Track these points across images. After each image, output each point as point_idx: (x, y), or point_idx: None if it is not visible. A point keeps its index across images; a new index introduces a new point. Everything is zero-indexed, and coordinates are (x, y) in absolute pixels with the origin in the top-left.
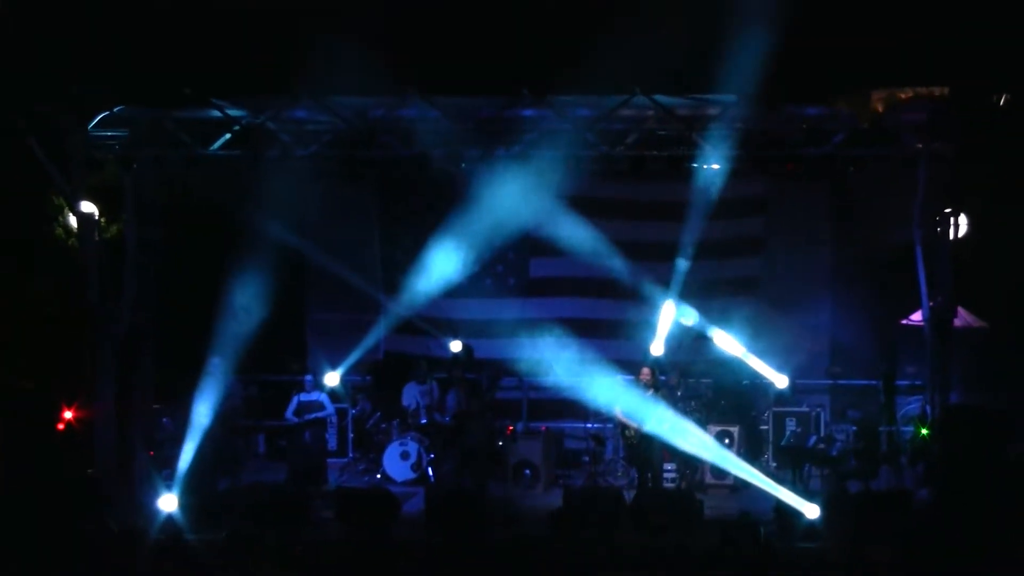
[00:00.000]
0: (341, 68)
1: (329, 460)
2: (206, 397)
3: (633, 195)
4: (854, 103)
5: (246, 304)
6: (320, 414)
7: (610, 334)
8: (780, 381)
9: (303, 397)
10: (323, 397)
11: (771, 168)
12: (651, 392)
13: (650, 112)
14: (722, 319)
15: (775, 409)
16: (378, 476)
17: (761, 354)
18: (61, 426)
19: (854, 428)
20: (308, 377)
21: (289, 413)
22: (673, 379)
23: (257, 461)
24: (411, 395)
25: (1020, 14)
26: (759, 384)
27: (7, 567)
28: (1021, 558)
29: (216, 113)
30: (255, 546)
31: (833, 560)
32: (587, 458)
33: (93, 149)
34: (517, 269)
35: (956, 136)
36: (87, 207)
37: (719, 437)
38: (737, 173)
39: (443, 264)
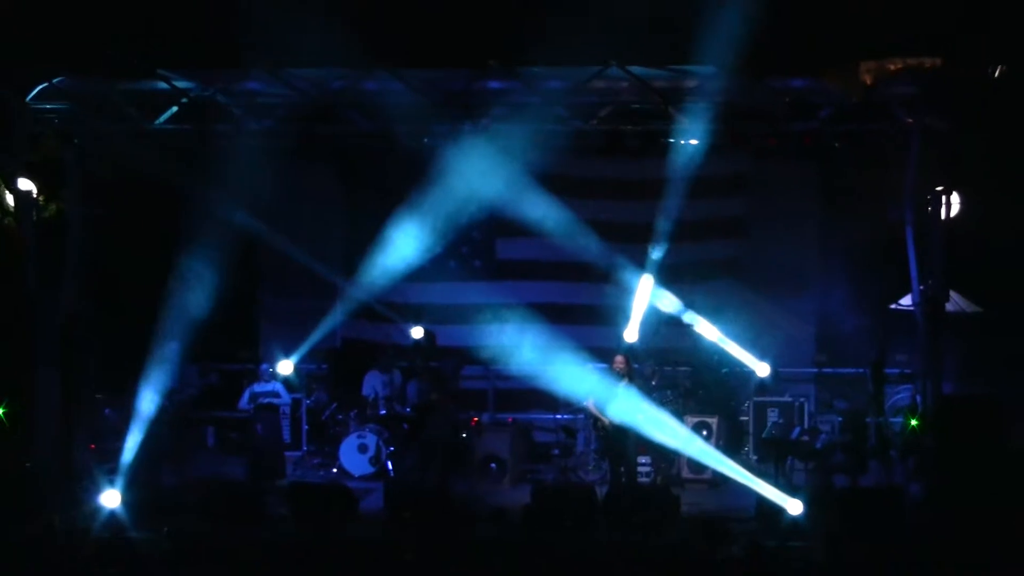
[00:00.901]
0: (297, 37)
1: (285, 453)
2: (153, 386)
3: (607, 172)
4: (842, 75)
5: (195, 287)
6: (274, 401)
7: (582, 320)
8: (762, 369)
9: (257, 387)
10: (279, 387)
11: (753, 144)
12: (625, 381)
13: (625, 84)
14: (701, 304)
15: (756, 399)
16: (334, 470)
17: (742, 341)
18: None
19: (840, 419)
20: (264, 366)
21: (243, 404)
22: (648, 368)
23: (207, 454)
24: (372, 384)
25: None
26: (740, 373)
27: None
28: (1018, 558)
29: (163, 85)
30: (203, 544)
31: (818, 559)
32: (557, 451)
33: (32, 123)
34: (483, 251)
35: (949, 110)
36: (25, 184)
37: (697, 429)
38: (717, 149)
39: (405, 246)
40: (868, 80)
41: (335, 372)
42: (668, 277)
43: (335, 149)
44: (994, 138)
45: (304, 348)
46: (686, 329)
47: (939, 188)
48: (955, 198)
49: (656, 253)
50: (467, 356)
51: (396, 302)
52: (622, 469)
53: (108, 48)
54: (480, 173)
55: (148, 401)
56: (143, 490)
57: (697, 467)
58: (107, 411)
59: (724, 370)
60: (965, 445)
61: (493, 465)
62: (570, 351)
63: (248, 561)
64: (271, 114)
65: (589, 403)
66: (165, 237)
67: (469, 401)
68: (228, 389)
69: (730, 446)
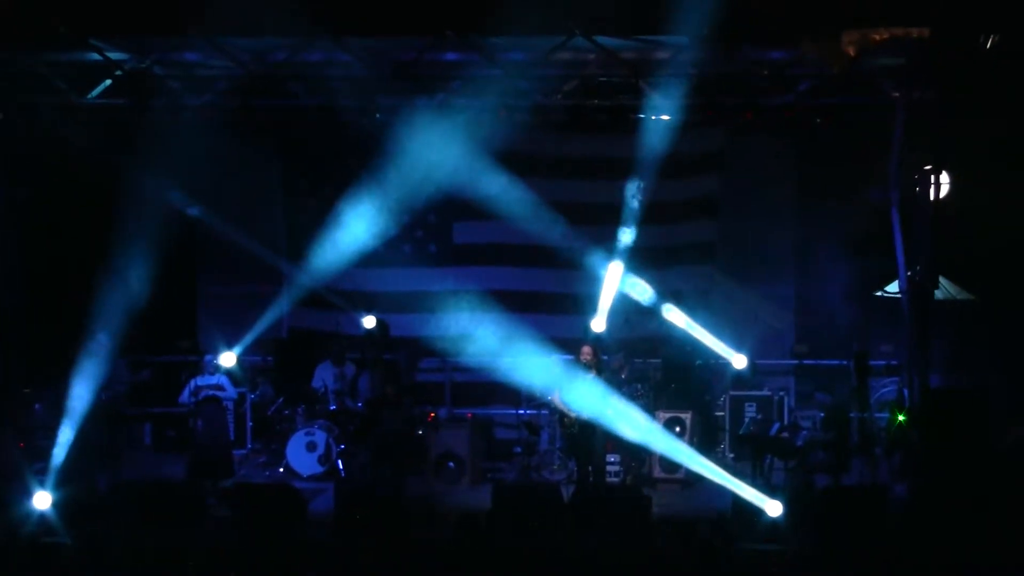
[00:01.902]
0: (238, 4)
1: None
2: (85, 380)
3: (572, 150)
4: (823, 46)
5: (129, 274)
6: (219, 393)
7: (545, 308)
8: (738, 361)
9: (200, 381)
10: (224, 380)
11: (728, 120)
12: (592, 374)
13: (591, 56)
14: (673, 291)
15: (733, 393)
16: (281, 470)
17: (717, 330)
18: None
19: (822, 415)
20: (209, 357)
21: (184, 398)
22: (617, 360)
23: (143, 453)
24: (323, 377)
25: None
26: (715, 365)
27: None
28: (1009, 562)
29: (95, 56)
30: (140, 549)
31: (798, 564)
32: (520, 449)
33: None
34: (439, 234)
35: (937, 83)
36: None
37: (669, 425)
38: (690, 125)
39: (355, 229)
40: (851, 51)
41: (281, 364)
42: (638, 262)
43: (278, 125)
44: (985, 113)
45: (248, 338)
46: (657, 318)
47: (927, 167)
48: (944, 177)
49: (625, 237)
50: (422, 347)
51: (346, 289)
52: (589, 468)
53: (34, 14)
54: (436, 151)
55: (80, 396)
56: (76, 491)
57: (669, 466)
58: (37, 406)
59: (698, 362)
60: (954, 442)
61: (451, 464)
62: (533, 342)
63: (188, 567)
64: (210, 87)
65: (554, 397)
66: (97, 220)
67: (425, 395)
68: (164, 383)
69: (704, 443)
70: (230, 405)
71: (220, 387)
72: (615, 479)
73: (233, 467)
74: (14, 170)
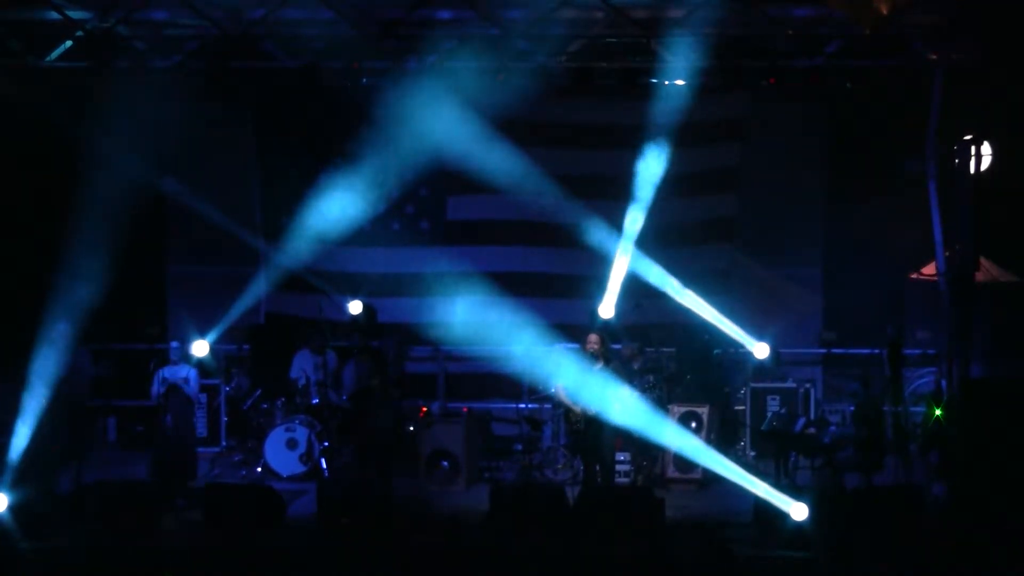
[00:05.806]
0: None
1: (198, 449)
2: (44, 372)
3: (577, 117)
4: (852, 2)
5: (91, 254)
6: (185, 389)
7: (549, 291)
8: (760, 350)
9: (167, 372)
10: (192, 373)
11: (749, 84)
12: (600, 364)
13: (599, 14)
14: (689, 272)
15: (754, 385)
16: (258, 469)
17: (737, 316)
18: None
19: (852, 409)
20: (174, 344)
21: (156, 391)
22: (628, 349)
23: (107, 451)
24: (302, 367)
25: None
26: (734, 354)
27: None
28: None
29: (54, 15)
30: (103, 556)
31: (826, 572)
32: (520, 446)
33: None
34: (432, 210)
35: (978, 44)
36: None
37: (684, 420)
38: (707, 90)
39: (338, 204)
40: (883, 8)
41: (258, 353)
42: (650, 240)
43: (254, 90)
44: None
45: (221, 325)
46: (672, 303)
47: (967, 136)
48: (986, 148)
49: (636, 213)
50: (413, 334)
51: (329, 270)
52: (596, 467)
53: None
54: (428, 118)
55: (39, 390)
56: (34, 493)
57: (684, 465)
58: None
59: (716, 351)
60: (996, 437)
61: (444, 463)
62: (535, 328)
63: (156, 573)
64: (179, 48)
65: (558, 390)
66: (56, 194)
67: (416, 388)
68: (130, 374)
69: (723, 440)
70: (201, 399)
71: (186, 380)
72: (625, 479)
73: (196, 468)
74: None
